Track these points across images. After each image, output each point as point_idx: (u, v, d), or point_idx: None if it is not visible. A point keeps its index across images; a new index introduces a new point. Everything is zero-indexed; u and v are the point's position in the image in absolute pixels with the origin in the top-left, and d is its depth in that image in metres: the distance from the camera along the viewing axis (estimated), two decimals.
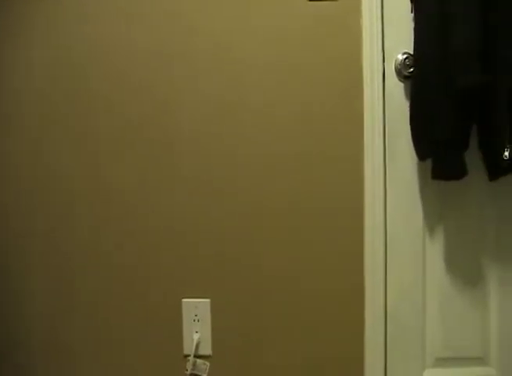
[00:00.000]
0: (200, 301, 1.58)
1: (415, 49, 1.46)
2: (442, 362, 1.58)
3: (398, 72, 1.54)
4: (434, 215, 1.57)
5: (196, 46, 1.57)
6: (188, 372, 1.58)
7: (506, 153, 1.36)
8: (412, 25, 1.48)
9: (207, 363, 1.59)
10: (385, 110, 1.55)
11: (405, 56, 1.52)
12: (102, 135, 1.59)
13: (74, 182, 1.60)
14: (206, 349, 1.59)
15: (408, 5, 1.50)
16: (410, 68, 1.51)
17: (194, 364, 1.59)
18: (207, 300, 1.58)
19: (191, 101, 1.57)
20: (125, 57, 1.58)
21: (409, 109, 1.50)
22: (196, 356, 1.59)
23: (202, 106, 1.57)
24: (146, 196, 1.59)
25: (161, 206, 1.59)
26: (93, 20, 1.59)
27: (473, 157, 1.49)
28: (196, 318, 1.58)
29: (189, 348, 1.59)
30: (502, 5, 1.35)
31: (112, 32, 1.58)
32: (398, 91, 1.54)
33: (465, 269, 1.57)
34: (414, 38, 1.46)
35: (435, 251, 1.57)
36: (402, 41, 1.52)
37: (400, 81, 1.54)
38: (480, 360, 1.59)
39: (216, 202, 1.58)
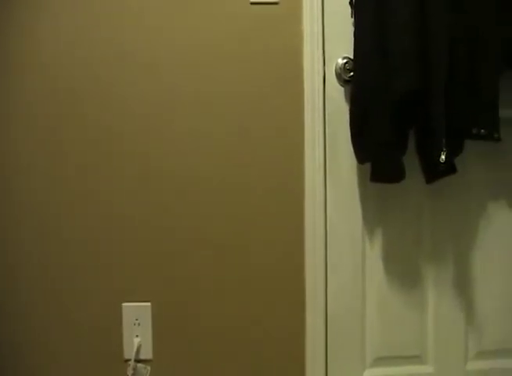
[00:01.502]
0: (140, 305, 1.56)
1: (354, 54, 1.47)
2: (382, 361, 1.61)
3: (338, 76, 1.55)
4: (374, 216, 1.60)
5: (137, 44, 1.54)
6: None
7: (443, 157, 1.38)
8: (352, 29, 1.49)
9: (148, 367, 1.57)
10: (326, 113, 1.56)
11: (345, 60, 1.53)
12: (46, 128, 1.55)
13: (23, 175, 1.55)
14: (146, 353, 1.57)
15: (348, 10, 1.52)
16: (350, 72, 1.52)
17: (135, 368, 1.56)
18: (148, 304, 1.56)
19: (130, 99, 1.55)
20: (66, 54, 1.55)
21: (348, 112, 1.52)
22: (137, 361, 1.56)
23: (141, 103, 1.55)
24: (84, 197, 1.55)
25: (99, 208, 1.56)
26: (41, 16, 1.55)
27: (411, 160, 1.52)
28: (137, 322, 1.56)
29: (129, 352, 1.56)
30: (434, 8, 1.37)
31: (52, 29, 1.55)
32: (338, 94, 1.56)
33: (403, 270, 1.60)
34: (354, 43, 1.48)
35: (374, 252, 1.60)
36: (342, 46, 1.54)
37: (340, 85, 1.56)
38: (418, 359, 1.63)
39: (155, 202, 1.56)
